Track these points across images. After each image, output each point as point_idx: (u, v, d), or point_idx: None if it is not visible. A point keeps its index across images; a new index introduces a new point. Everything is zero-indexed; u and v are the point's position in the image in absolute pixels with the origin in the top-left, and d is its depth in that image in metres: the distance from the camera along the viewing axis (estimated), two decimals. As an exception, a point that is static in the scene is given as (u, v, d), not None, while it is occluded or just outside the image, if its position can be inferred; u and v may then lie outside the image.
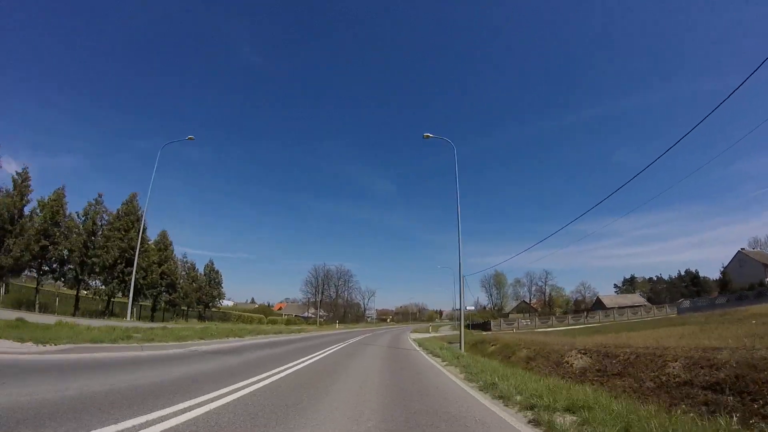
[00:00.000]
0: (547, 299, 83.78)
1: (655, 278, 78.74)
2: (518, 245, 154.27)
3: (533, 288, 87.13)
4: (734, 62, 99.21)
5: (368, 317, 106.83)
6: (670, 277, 79.76)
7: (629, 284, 75.18)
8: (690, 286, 75.12)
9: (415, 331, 50.54)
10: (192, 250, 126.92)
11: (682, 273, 79.72)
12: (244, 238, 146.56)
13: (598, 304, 64.79)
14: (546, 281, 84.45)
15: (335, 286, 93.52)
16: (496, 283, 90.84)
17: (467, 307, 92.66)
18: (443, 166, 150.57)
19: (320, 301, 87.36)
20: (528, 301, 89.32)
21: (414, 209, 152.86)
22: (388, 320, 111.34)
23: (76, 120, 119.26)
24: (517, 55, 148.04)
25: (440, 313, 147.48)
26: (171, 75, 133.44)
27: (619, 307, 53.11)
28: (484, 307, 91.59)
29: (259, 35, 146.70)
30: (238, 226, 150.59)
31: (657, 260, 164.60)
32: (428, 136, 21.09)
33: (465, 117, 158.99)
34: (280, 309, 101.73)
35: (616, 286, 79.40)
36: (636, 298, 62.79)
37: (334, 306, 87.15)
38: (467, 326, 78.35)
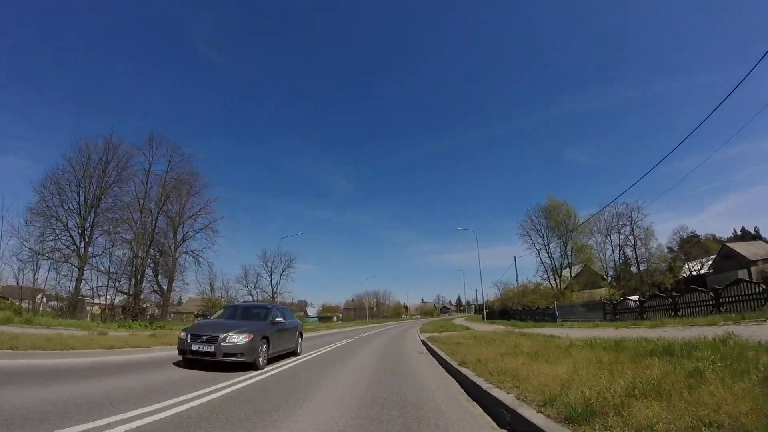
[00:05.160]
0: (638, 257, 43.12)
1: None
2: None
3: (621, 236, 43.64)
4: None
5: (308, 316, 75.89)
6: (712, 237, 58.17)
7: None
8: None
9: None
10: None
11: (738, 232, 58.84)
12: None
13: (728, 258, 37.46)
14: (634, 222, 42.63)
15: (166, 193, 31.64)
16: (552, 224, 43.98)
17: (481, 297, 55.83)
18: (403, 165, 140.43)
19: (86, 241, 26.40)
20: (613, 263, 44.56)
21: (373, 207, 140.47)
22: (335, 319, 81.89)
23: (12, 115, 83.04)
24: (487, 51, 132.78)
25: (406, 308, 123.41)
26: (119, 68, 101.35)
27: (764, 260, 29.32)
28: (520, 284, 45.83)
29: (215, 28, 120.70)
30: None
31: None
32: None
33: (432, 113, 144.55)
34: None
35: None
36: (765, 246, 38.65)
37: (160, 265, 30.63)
38: (482, 318, 41.99)
